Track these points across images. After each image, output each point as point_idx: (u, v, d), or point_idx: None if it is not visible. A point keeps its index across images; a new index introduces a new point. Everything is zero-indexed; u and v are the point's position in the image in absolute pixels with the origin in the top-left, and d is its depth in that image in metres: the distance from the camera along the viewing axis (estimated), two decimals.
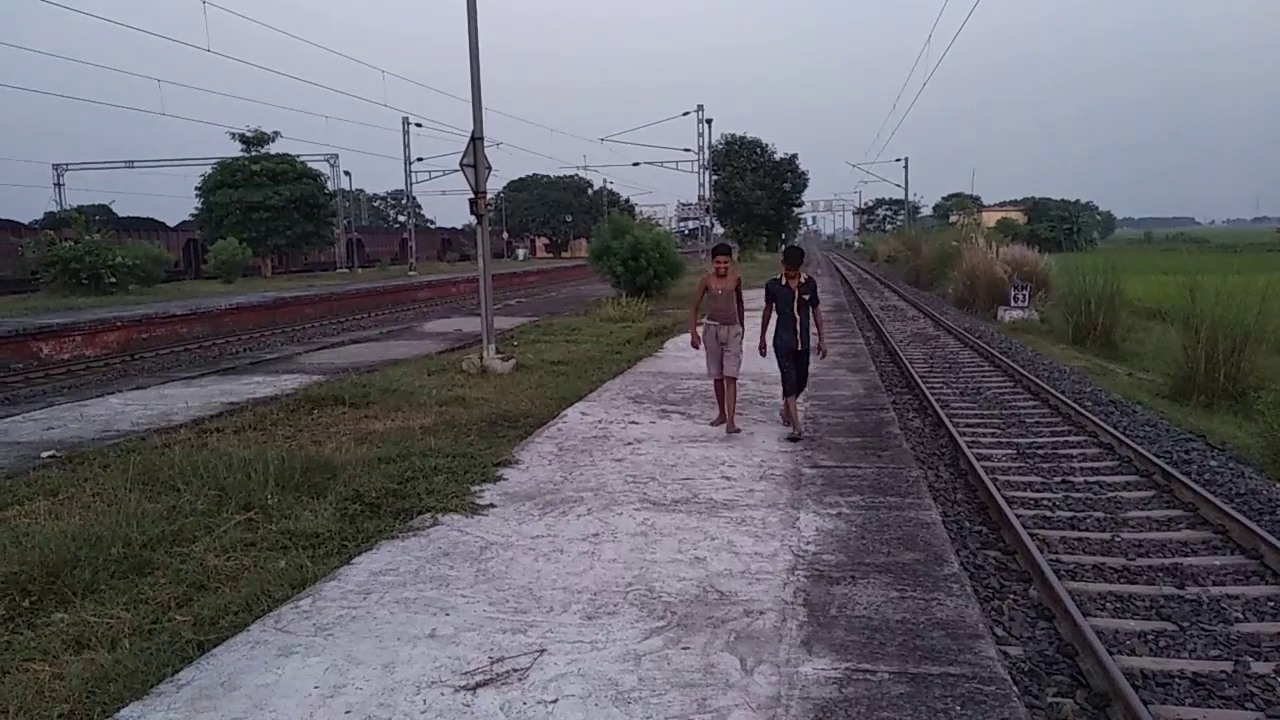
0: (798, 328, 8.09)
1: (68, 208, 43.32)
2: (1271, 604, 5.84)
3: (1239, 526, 6.94)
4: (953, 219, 69.26)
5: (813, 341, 8.37)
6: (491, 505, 6.26)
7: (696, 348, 8.72)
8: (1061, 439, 10.39)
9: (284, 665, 3.91)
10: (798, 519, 5.81)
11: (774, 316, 8.28)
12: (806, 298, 8.14)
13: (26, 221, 40.46)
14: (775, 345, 8.22)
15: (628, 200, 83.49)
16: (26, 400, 13.42)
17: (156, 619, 4.55)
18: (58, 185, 50.17)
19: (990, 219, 67.21)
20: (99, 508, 6.19)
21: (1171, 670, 4.99)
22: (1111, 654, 5.00)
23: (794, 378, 8.26)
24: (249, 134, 44.62)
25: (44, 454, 8.35)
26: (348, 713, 3.50)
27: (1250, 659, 5.08)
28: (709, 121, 49.48)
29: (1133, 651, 5.26)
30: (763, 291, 8.50)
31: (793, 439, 8.09)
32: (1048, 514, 7.72)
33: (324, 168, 48.88)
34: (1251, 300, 13.75)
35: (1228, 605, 5.82)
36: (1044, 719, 4.51)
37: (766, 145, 65.13)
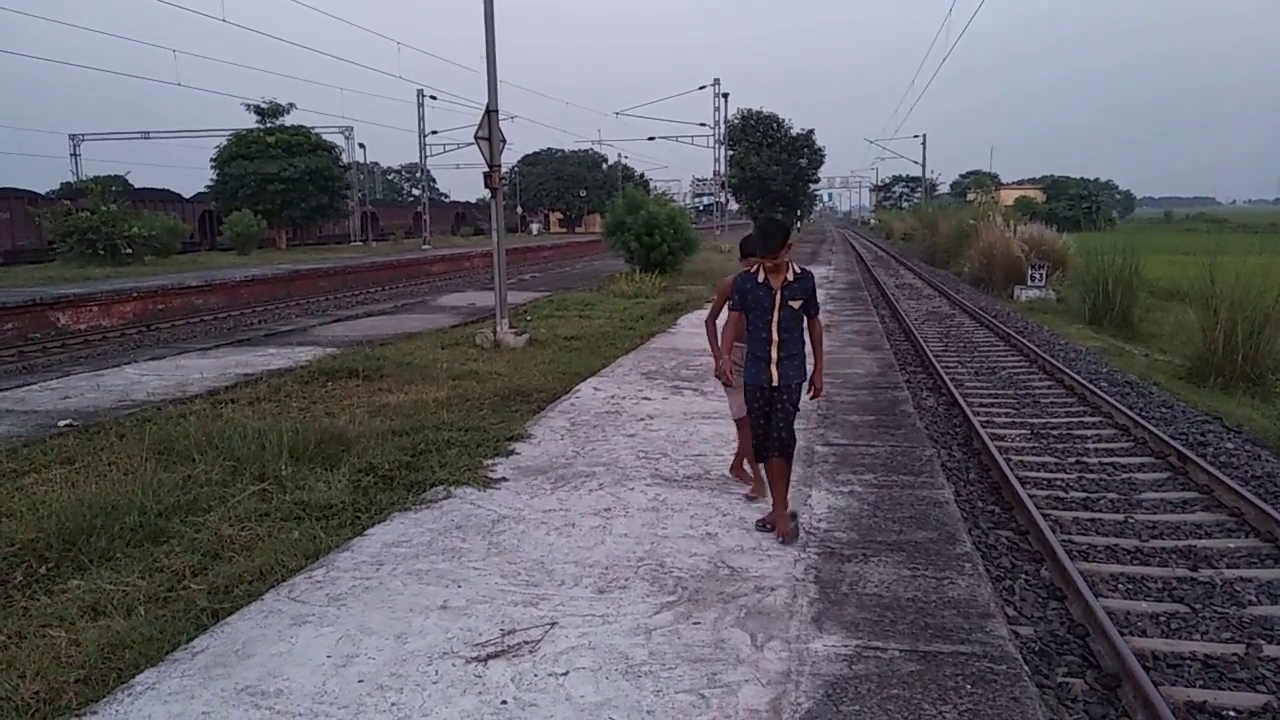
0: (773, 352, 4.93)
1: (84, 178, 43.41)
2: None
3: (1254, 509, 6.90)
4: (970, 197, 68.61)
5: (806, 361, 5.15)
6: (504, 479, 6.27)
7: (730, 383, 5.44)
8: (1076, 419, 10.33)
9: (297, 634, 3.94)
10: (810, 496, 5.80)
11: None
12: (796, 304, 4.95)
13: (43, 191, 40.64)
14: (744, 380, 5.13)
15: (642, 175, 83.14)
16: (44, 369, 13.52)
17: (171, 587, 4.59)
18: (74, 155, 50.39)
19: (1008, 197, 66.62)
20: (115, 477, 6.24)
21: (1183, 652, 4.99)
22: (1123, 635, 4.99)
23: (761, 431, 5.07)
24: (264, 105, 44.54)
25: (61, 423, 8.41)
26: (360, 682, 3.53)
27: (1262, 642, 5.07)
28: (725, 96, 49.08)
29: (1144, 633, 5.26)
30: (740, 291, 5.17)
31: (781, 537, 4.97)
32: (1061, 494, 7.69)
33: (338, 140, 48.83)
34: (1272, 281, 13.59)
35: (1241, 588, 5.80)
36: (1054, 699, 4.51)
37: (783, 120, 64.68)
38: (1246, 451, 8.98)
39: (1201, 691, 4.58)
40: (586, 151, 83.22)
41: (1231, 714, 4.39)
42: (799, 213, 78.56)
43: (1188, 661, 4.90)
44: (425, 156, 52.59)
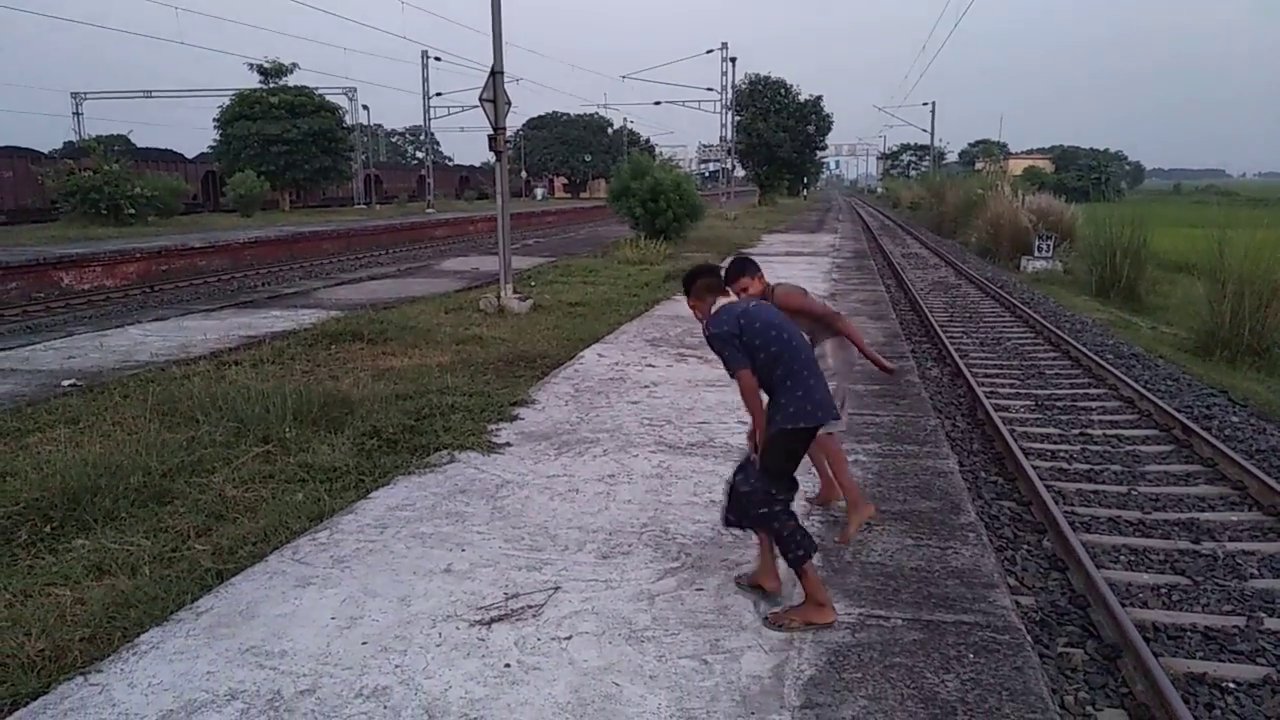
0: None
1: (87, 137, 43.19)
2: None
3: (1258, 483, 6.89)
4: (978, 166, 68.09)
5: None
6: (508, 444, 6.27)
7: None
8: (1081, 391, 10.30)
9: (301, 596, 3.96)
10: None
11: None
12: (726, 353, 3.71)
13: (46, 150, 40.44)
14: None
15: (648, 140, 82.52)
16: (47, 329, 13.52)
17: (176, 547, 4.60)
18: (76, 114, 50.01)
19: (1017, 167, 66.08)
20: (119, 437, 6.25)
21: (1183, 624, 4.99)
22: (1124, 606, 5.00)
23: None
24: (267, 65, 44.12)
25: (65, 383, 8.41)
26: (364, 644, 3.54)
27: (1264, 615, 5.07)
28: (733, 60, 48.49)
29: (1145, 604, 5.26)
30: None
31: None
32: (1064, 466, 7.68)
33: (342, 101, 48.44)
34: None
35: (1243, 561, 5.80)
36: (1054, 668, 4.52)
37: (791, 86, 63.89)
38: (1251, 425, 8.95)
39: (1202, 663, 4.59)
40: (592, 116, 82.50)
41: (1231, 686, 4.40)
42: (805, 180, 77.97)
43: (1188, 633, 4.91)
44: (429, 119, 52.16)
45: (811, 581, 3.69)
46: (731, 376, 3.73)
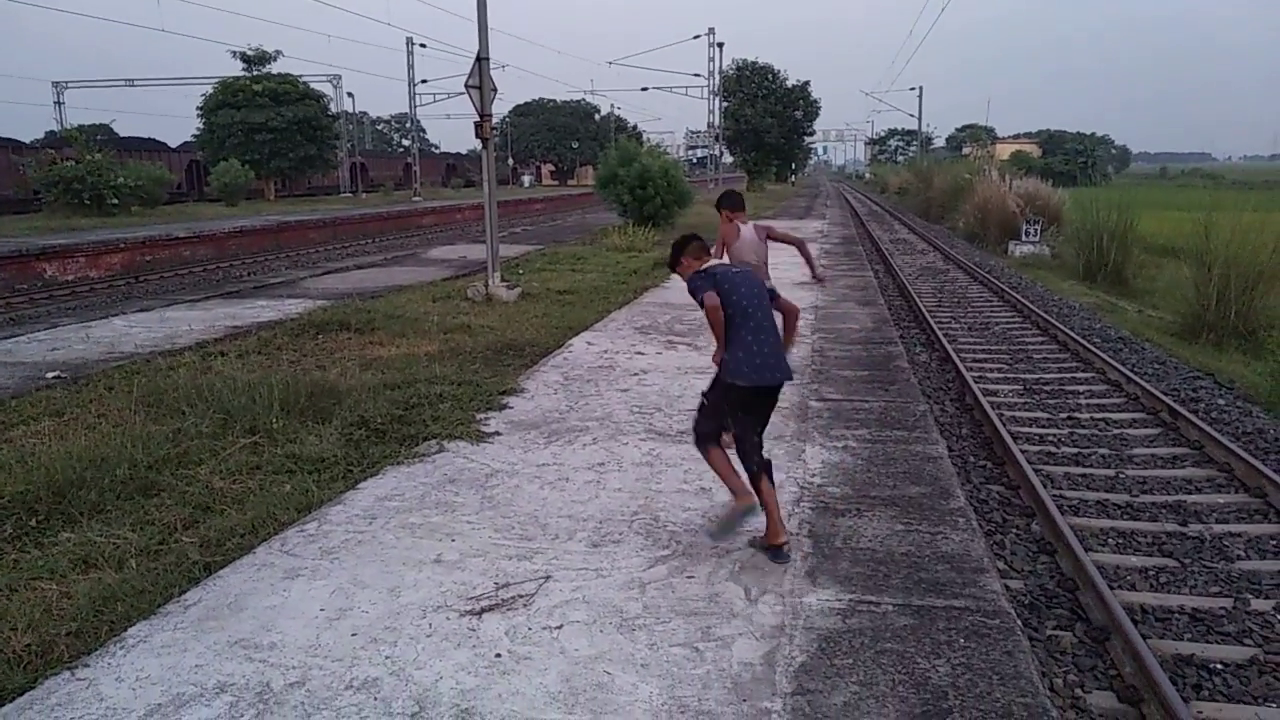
0: None
1: (68, 126, 42.69)
2: (1274, 542, 5.86)
3: (1244, 465, 6.93)
4: (966, 151, 68.11)
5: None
6: (497, 433, 6.25)
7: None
8: (1069, 375, 10.34)
9: (290, 588, 3.93)
10: (804, 451, 5.79)
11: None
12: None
13: (27, 140, 39.98)
14: None
15: (635, 126, 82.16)
16: (31, 321, 13.40)
17: (163, 540, 4.57)
18: (58, 103, 49.46)
19: (1004, 151, 66.14)
20: (104, 429, 6.20)
21: (1171, 606, 5.03)
22: (1112, 589, 5.03)
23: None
24: (250, 53, 43.69)
25: (49, 375, 8.34)
26: (354, 635, 3.52)
27: (1250, 596, 5.12)
28: (720, 45, 48.40)
29: (1133, 587, 5.30)
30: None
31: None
32: (1053, 450, 7.71)
33: (326, 89, 48.04)
34: (1266, 238, 13.55)
35: (1230, 543, 5.84)
36: (1043, 651, 4.54)
37: (778, 72, 63.70)
38: (1238, 408, 9.01)
39: (1189, 645, 4.63)
40: (579, 102, 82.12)
41: (1219, 667, 4.43)
42: (793, 166, 77.88)
43: (1176, 615, 4.94)
44: (415, 106, 51.80)
45: (719, 467, 4.20)
46: (700, 306, 4.17)
